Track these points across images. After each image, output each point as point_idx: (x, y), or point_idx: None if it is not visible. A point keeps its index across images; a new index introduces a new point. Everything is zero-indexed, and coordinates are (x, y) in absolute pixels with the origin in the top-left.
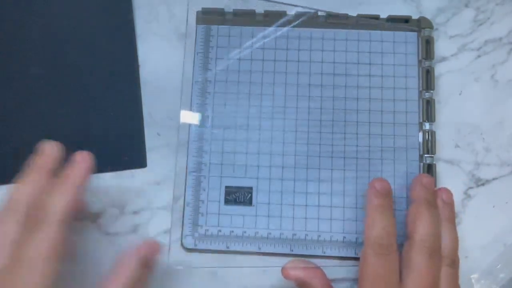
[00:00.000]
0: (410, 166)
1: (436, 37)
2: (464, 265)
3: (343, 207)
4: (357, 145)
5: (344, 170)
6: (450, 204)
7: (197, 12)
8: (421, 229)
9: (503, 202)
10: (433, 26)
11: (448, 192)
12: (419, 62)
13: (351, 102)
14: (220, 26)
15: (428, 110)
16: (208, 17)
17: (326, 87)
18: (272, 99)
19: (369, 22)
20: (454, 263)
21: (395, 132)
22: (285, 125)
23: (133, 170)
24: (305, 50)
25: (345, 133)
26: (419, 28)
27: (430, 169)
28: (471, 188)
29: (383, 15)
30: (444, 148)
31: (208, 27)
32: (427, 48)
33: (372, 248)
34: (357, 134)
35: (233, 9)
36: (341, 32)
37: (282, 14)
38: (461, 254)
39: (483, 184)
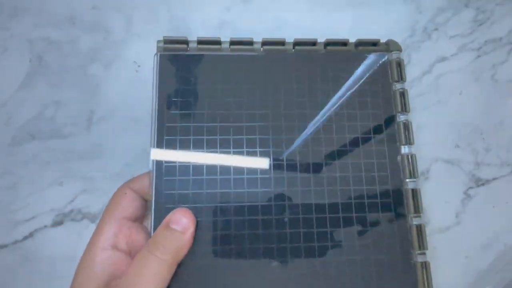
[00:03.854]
0: (394, 190)
1: (437, 37)
2: (464, 265)
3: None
4: (338, 175)
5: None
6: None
7: (158, 41)
8: None
9: (503, 202)
10: (402, 49)
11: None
12: (391, 85)
13: (328, 129)
14: (184, 54)
15: (406, 133)
16: (171, 46)
17: (300, 114)
18: (243, 130)
19: (338, 48)
20: None
21: (375, 157)
22: (258, 152)
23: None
24: (274, 76)
25: (324, 165)
26: (388, 51)
27: (414, 193)
28: (471, 188)
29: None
30: (444, 148)
31: (171, 56)
32: (398, 70)
33: None
34: (337, 162)
35: (197, 38)
36: (310, 58)
37: (249, 42)
38: (461, 254)
39: (483, 184)
